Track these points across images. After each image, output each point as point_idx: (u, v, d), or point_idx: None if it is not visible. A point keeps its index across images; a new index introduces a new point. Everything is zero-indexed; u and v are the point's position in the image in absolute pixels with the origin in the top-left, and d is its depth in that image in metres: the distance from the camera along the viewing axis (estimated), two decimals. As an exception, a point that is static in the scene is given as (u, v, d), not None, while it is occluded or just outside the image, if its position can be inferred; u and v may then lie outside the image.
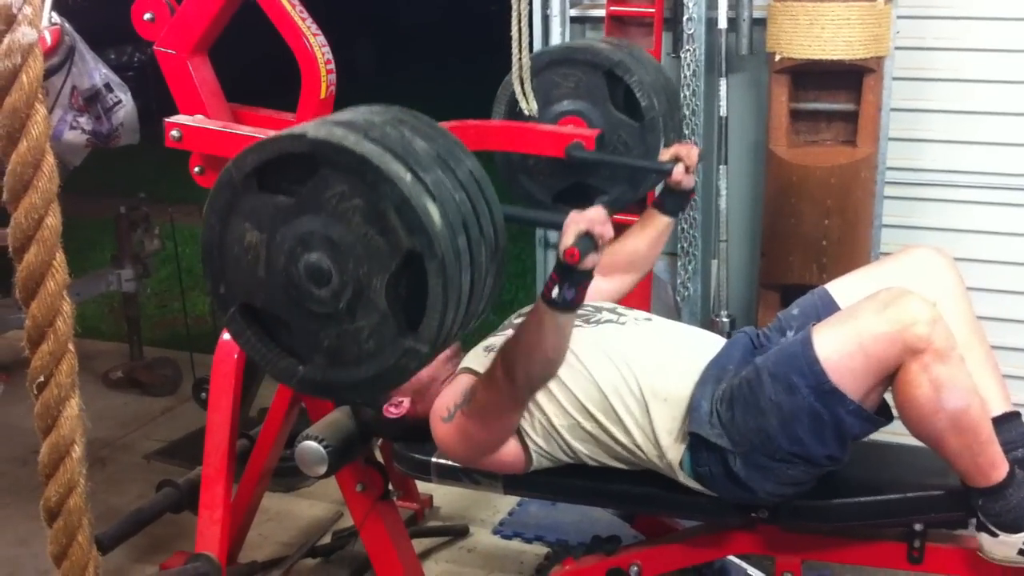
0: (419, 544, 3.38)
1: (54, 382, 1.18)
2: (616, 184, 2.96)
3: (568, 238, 2.01)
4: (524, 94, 2.85)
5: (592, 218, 2.02)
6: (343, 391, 2.00)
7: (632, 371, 2.43)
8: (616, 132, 2.86)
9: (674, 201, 2.80)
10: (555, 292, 2.05)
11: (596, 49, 2.87)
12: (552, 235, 3.97)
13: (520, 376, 2.23)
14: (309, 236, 1.82)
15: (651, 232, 2.82)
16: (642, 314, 2.67)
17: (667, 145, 2.90)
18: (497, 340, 2.50)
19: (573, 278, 2.04)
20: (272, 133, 2.51)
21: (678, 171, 2.69)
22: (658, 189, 2.91)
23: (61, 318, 1.16)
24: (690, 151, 2.72)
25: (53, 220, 1.11)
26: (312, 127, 1.81)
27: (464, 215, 1.83)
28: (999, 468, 2.24)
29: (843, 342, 2.21)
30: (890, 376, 2.19)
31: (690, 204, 3.83)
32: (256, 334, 1.95)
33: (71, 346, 1.18)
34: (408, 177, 1.75)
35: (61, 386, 1.19)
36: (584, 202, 2.88)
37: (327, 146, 1.76)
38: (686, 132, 3.79)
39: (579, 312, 2.52)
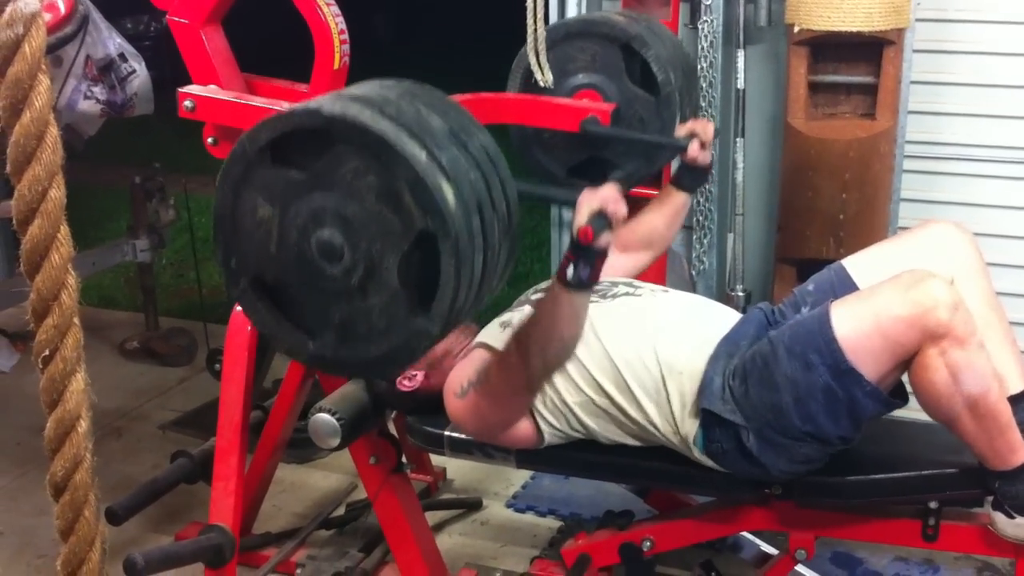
0: (432, 517, 3.38)
1: (59, 356, 1.17)
2: (631, 159, 2.93)
3: (581, 216, 1.99)
4: (539, 65, 2.83)
5: (605, 196, 2.00)
6: (353, 368, 1.99)
7: (649, 343, 2.42)
8: (632, 106, 2.84)
9: (691, 177, 2.79)
10: (570, 272, 2.03)
11: (613, 22, 2.84)
12: (567, 213, 3.95)
13: (535, 358, 2.20)
14: (322, 212, 1.81)
15: (669, 209, 2.81)
16: (658, 287, 2.65)
17: (683, 120, 2.87)
18: (513, 316, 2.49)
19: (588, 257, 2.02)
20: (286, 105, 2.53)
21: (693, 148, 2.67)
22: (675, 165, 2.88)
23: (66, 291, 1.15)
24: (706, 127, 2.69)
25: (57, 192, 1.10)
26: (327, 102, 1.79)
27: (478, 195, 1.81)
28: (1017, 452, 2.23)
29: (862, 322, 2.19)
30: (908, 359, 2.17)
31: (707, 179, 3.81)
32: (267, 308, 1.94)
33: (76, 320, 1.17)
34: (423, 156, 1.74)
35: (67, 360, 1.18)
36: (599, 176, 2.87)
37: (342, 122, 1.75)
38: (703, 105, 3.76)
39: (594, 287, 2.51)
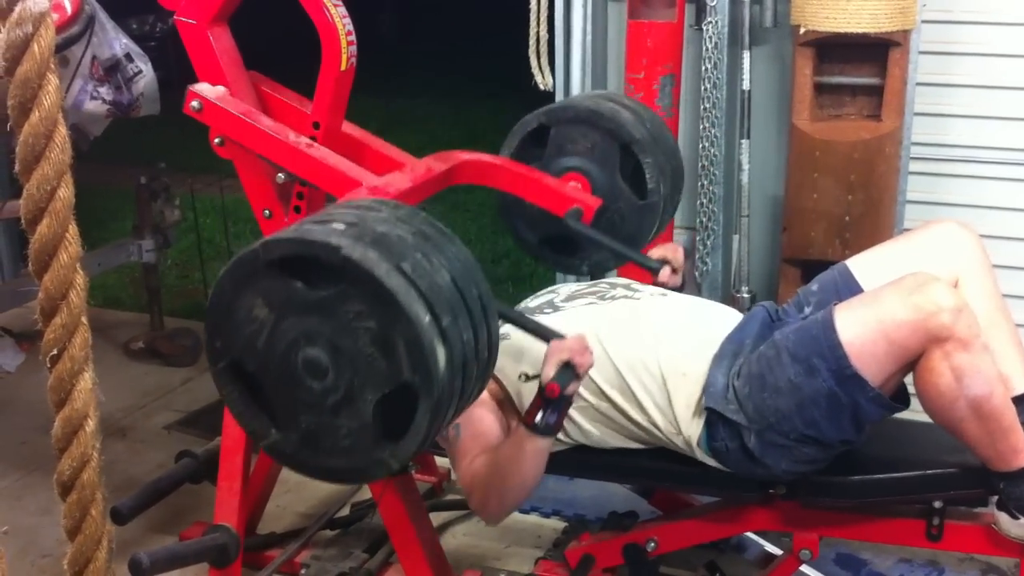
0: (437, 517, 3.38)
1: (67, 355, 1.17)
2: (601, 251, 2.95)
3: (549, 370, 2.17)
4: (540, 68, 2.83)
5: (572, 348, 2.17)
6: (308, 470, 2.03)
7: (651, 347, 2.42)
8: (616, 202, 2.85)
9: None
10: (538, 418, 2.22)
11: (620, 121, 2.84)
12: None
13: (493, 501, 2.40)
14: (316, 334, 1.84)
15: None
16: (657, 289, 2.66)
17: (661, 226, 2.91)
18: (510, 329, 2.48)
19: (555, 406, 2.22)
20: (292, 137, 2.53)
21: (665, 272, 2.72)
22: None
23: (74, 291, 1.15)
24: (676, 253, 2.76)
25: (66, 192, 1.10)
26: (348, 240, 1.80)
27: (467, 355, 1.87)
28: (1022, 453, 2.22)
29: (865, 327, 2.19)
30: (911, 363, 2.17)
31: (709, 178, 3.82)
32: (239, 391, 1.97)
33: (84, 319, 1.17)
34: (427, 320, 1.78)
35: (75, 359, 1.18)
36: (567, 250, 2.96)
37: (359, 269, 1.77)
38: (707, 106, 3.76)
39: (594, 290, 2.55)
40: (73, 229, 1.13)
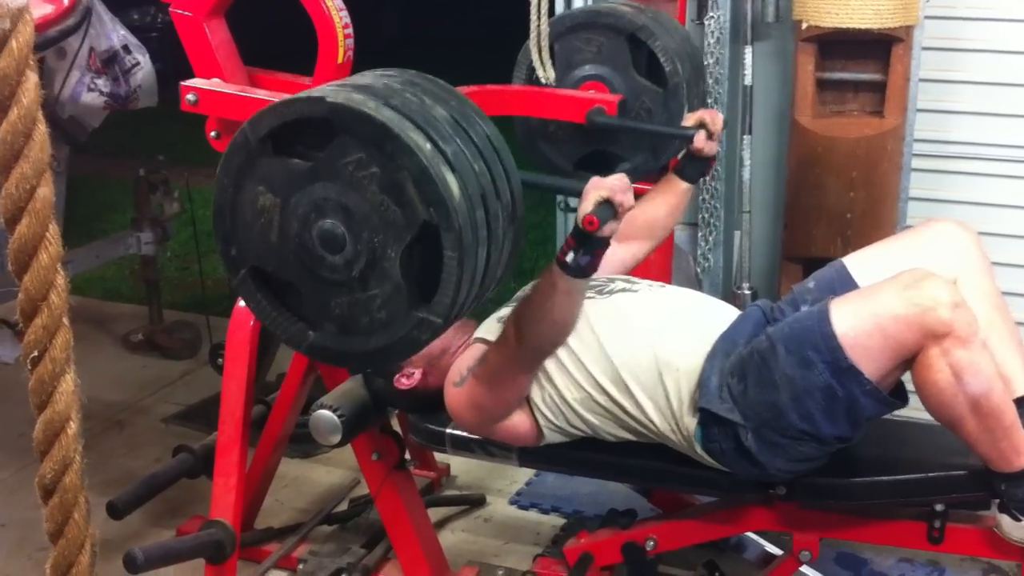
0: (435, 513, 3.37)
1: (48, 357, 1.16)
2: (638, 152, 2.91)
3: (587, 204, 1.97)
4: (541, 61, 2.80)
5: (613, 185, 1.99)
6: (354, 360, 1.98)
7: (646, 340, 2.40)
8: (639, 98, 2.81)
9: (695, 168, 2.75)
10: (570, 257, 2.01)
11: (619, 13, 2.81)
12: (574, 203, 3.93)
13: (530, 338, 2.20)
14: (324, 202, 1.79)
15: (670, 199, 2.77)
16: (656, 283, 2.63)
17: (691, 111, 2.84)
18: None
19: (590, 245, 2.00)
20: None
21: (700, 137, 2.64)
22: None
23: (55, 291, 1.13)
24: (715, 117, 2.66)
25: (45, 191, 1.08)
26: (331, 91, 1.78)
27: (483, 186, 1.80)
28: (1023, 454, 2.20)
29: (861, 321, 2.16)
30: (909, 359, 2.15)
31: (711, 172, 3.79)
32: (267, 298, 1.93)
33: (66, 320, 1.15)
34: (428, 147, 1.72)
35: (56, 361, 1.16)
36: (605, 170, 2.83)
37: (346, 112, 1.73)
38: (709, 102, 3.73)
39: (592, 284, 2.50)
40: (54, 229, 1.11)
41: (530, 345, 2.22)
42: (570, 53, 2.85)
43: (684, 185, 2.76)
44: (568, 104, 2.76)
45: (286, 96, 2.50)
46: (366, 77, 1.90)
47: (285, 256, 1.86)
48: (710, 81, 3.71)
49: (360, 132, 1.73)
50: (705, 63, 3.69)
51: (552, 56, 2.85)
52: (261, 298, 1.93)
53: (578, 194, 2.01)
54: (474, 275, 1.82)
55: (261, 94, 2.59)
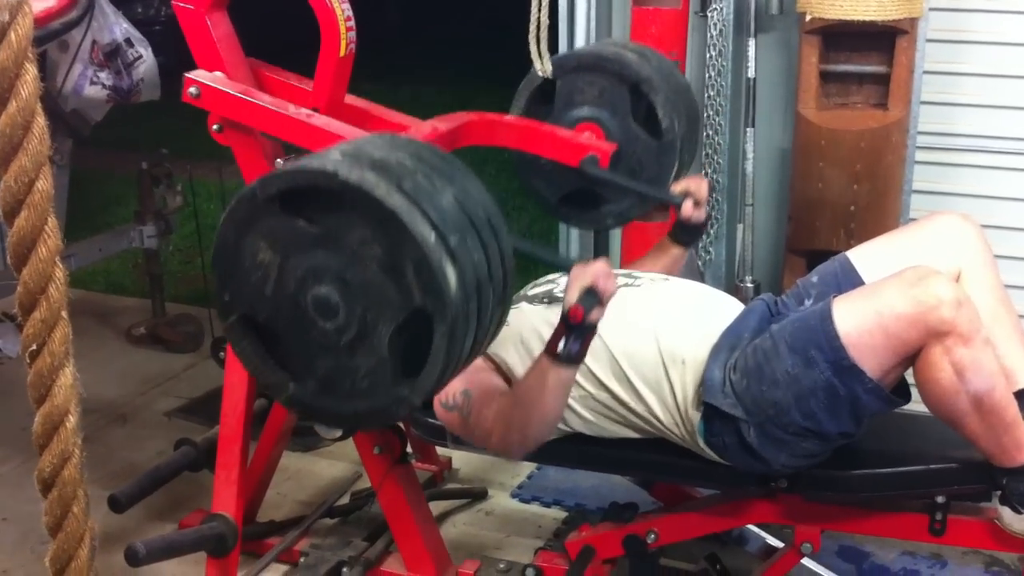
0: (437, 507, 3.37)
1: (47, 350, 1.16)
2: (624, 199, 2.91)
3: (572, 295, 2.08)
4: (539, 54, 2.80)
5: (596, 272, 2.08)
6: (330, 418, 2.01)
7: (650, 334, 2.40)
8: (632, 146, 2.81)
9: (688, 234, 2.77)
10: (561, 346, 2.13)
11: (626, 61, 2.81)
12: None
13: (515, 436, 2.30)
14: (323, 270, 1.80)
15: (665, 260, 2.80)
16: (658, 276, 2.63)
17: (682, 167, 2.86)
18: (512, 316, 2.46)
19: (578, 332, 2.12)
20: (291, 109, 2.51)
21: (687, 207, 2.66)
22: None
23: (54, 285, 1.13)
24: (700, 185, 2.68)
25: (44, 184, 1.08)
26: (345, 165, 1.77)
27: (479, 276, 1.82)
28: (1024, 449, 2.20)
29: (864, 319, 2.16)
30: (911, 357, 2.15)
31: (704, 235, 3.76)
32: (252, 345, 1.93)
33: (65, 314, 1.15)
34: (432, 238, 1.73)
35: (54, 355, 1.16)
36: (589, 207, 2.91)
37: (358, 192, 1.73)
38: (712, 94, 3.73)
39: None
40: (52, 222, 1.10)
41: (518, 436, 2.31)
42: (571, 92, 2.85)
43: (678, 249, 2.79)
44: (564, 147, 2.76)
45: (290, 108, 2.52)
46: (380, 146, 1.89)
47: (277, 311, 1.87)
48: (714, 73, 3.70)
49: (369, 213, 1.74)
50: (708, 55, 3.69)
51: (553, 95, 2.86)
52: (247, 345, 1.94)
53: (565, 269, 2.13)
54: (459, 357, 1.85)
55: (264, 100, 2.57)
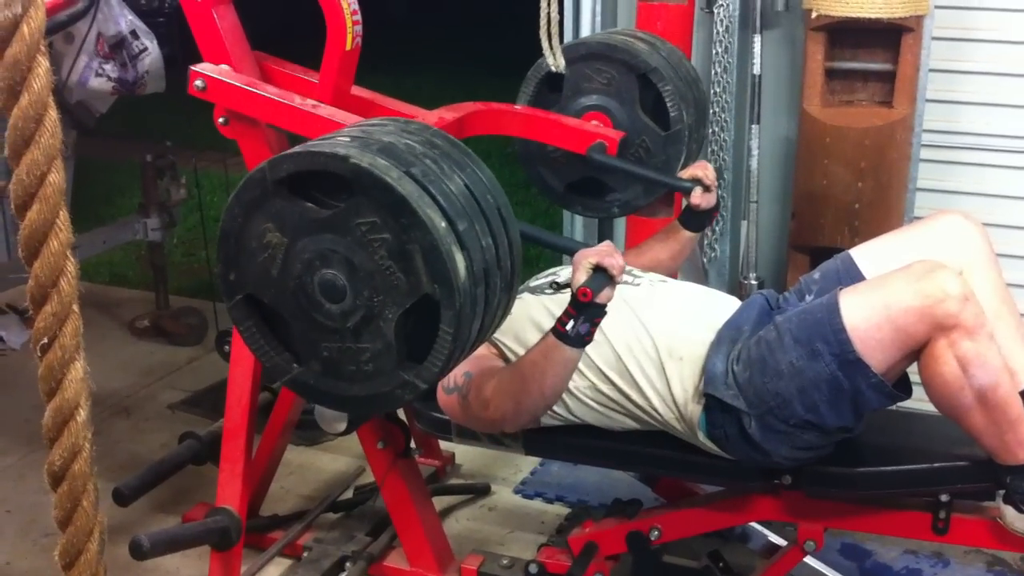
0: (440, 502, 3.37)
1: (58, 344, 1.16)
2: (630, 187, 2.91)
3: (580, 275, 2.07)
4: (551, 49, 2.80)
5: (600, 251, 2.08)
6: (333, 401, 2.00)
7: (647, 331, 2.42)
8: (640, 136, 2.82)
9: (697, 220, 2.78)
10: (569, 326, 2.12)
11: (635, 50, 2.80)
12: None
13: (508, 407, 2.29)
14: (331, 253, 1.81)
15: (673, 245, 2.82)
16: (656, 277, 2.64)
17: (689, 155, 2.85)
18: (515, 306, 2.47)
19: (588, 313, 2.10)
20: (297, 100, 2.50)
21: (696, 193, 2.67)
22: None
23: (65, 278, 1.13)
24: (707, 171, 2.69)
25: (56, 177, 1.08)
26: (356, 150, 1.77)
27: (487, 262, 1.82)
28: (1029, 447, 2.20)
29: (871, 312, 2.16)
30: (915, 351, 2.15)
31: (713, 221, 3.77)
32: (257, 325, 1.94)
33: (76, 307, 1.15)
34: (442, 225, 1.74)
35: (65, 348, 1.16)
36: (595, 195, 2.92)
37: (368, 176, 1.73)
38: (717, 90, 3.73)
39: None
40: (64, 215, 1.10)
41: (511, 407, 2.30)
42: (580, 80, 2.86)
43: (687, 234, 2.80)
44: (571, 135, 2.76)
45: (296, 99, 2.52)
46: (390, 132, 1.88)
47: (283, 292, 1.87)
48: (719, 70, 3.70)
49: (378, 198, 1.74)
50: (714, 51, 3.68)
51: (561, 84, 2.86)
52: (251, 324, 1.93)
53: (572, 253, 2.11)
54: (466, 343, 1.85)
55: (270, 91, 2.57)
